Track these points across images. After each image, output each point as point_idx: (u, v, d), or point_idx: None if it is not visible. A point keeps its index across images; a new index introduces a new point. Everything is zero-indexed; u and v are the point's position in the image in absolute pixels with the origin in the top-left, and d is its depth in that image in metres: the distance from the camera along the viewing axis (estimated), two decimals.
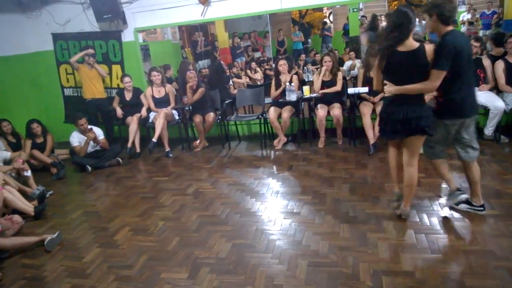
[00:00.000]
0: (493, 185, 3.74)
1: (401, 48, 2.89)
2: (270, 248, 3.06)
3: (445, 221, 3.20)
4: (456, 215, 3.26)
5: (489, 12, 10.32)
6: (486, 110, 4.82)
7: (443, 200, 3.55)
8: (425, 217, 3.29)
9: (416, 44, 2.88)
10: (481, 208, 3.20)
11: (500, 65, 4.83)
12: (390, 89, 3.00)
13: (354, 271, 2.67)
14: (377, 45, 3.10)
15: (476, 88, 4.84)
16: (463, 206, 3.27)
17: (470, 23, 11.52)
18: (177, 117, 6.14)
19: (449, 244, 2.88)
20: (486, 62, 4.95)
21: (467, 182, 3.25)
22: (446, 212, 3.34)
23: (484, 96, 4.76)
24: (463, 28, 11.44)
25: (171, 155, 5.79)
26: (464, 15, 11.20)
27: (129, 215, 3.96)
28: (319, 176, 4.40)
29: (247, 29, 11.30)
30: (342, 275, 2.65)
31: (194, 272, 2.86)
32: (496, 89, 4.90)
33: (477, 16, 10.80)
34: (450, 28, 2.87)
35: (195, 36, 9.64)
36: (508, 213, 3.21)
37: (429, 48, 2.86)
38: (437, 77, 2.82)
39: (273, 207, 3.77)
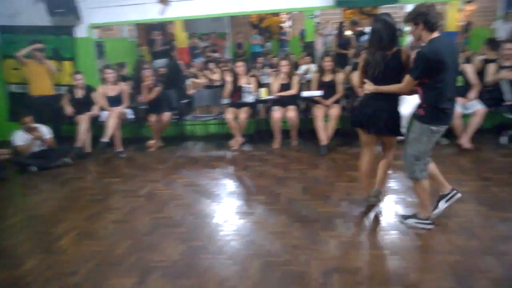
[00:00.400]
0: (435, 184, 3.96)
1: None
2: (224, 249, 3.06)
3: (391, 218, 3.35)
4: (402, 212, 3.42)
5: None
6: None
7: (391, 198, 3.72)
8: (372, 215, 3.43)
9: (394, 48, 3.07)
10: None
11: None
12: (369, 87, 3.18)
13: (306, 269, 2.73)
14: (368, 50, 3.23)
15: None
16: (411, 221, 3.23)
17: None
18: (131, 116, 6.00)
19: (396, 240, 3.02)
20: None
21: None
22: (392, 210, 3.50)
23: None
24: (408, 39, 11.95)
25: (123, 155, 5.64)
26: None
27: (76, 218, 3.80)
28: (274, 176, 4.46)
29: (207, 30, 11.25)
30: (294, 274, 2.70)
31: (144, 277, 2.77)
32: None
33: None
34: (435, 35, 2.86)
35: (153, 34, 9.47)
36: (448, 210, 3.39)
37: (405, 51, 3.06)
38: (408, 83, 2.93)
39: (228, 208, 3.78)
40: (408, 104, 4.26)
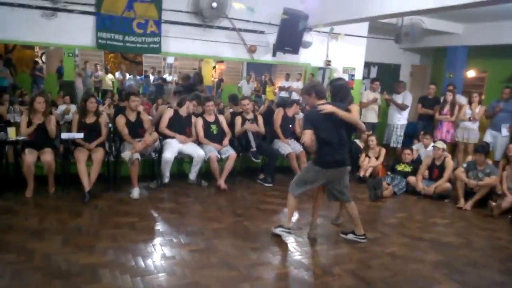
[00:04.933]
0: (195, 223, 4.31)
1: None
2: None
3: (159, 261, 3.41)
4: (168, 254, 3.54)
5: None
6: (190, 159, 5.54)
7: (159, 240, 3.80)
8: (140, 260, 3.40)
9: None
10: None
11: (199, 121, 5.73)
12: None
13: None
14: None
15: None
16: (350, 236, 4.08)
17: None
18: None
19: (163, 282, 3.08)
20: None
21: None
22: (159, 252, 3.57)
23: (188, 147, 5.50)
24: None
25: None
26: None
27: None
28: (27, 229, 3.86)
29: None
30: None
31: None
32: (198, 141, 5.74)
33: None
34: (323, 101, 3.73)
35: None
36: (207, 247, 3.74)
37: None
38: None
39: None
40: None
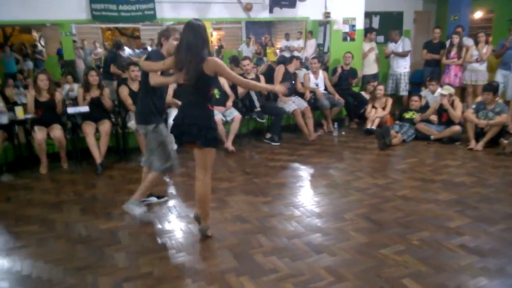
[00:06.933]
0: None
1: None
2: None
3: (174, 220, 3.53)
4: (183, 213, 3.65)
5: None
6: None
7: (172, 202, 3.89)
8: (156, 221, 3.53)
9: None
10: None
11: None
12: None
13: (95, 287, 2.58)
14: None
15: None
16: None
17: None
18: None
19: (181, 240, 3.19)
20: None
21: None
22: (174, 213, 3.69)
23: None
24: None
25: None
26: None
27: None
28: (45, 202, 3.99)
29: None
30: None
31: None
32: None
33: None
34: None
35: None
36: (220, 205, 3.81)
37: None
38: None
39: None
40: None
